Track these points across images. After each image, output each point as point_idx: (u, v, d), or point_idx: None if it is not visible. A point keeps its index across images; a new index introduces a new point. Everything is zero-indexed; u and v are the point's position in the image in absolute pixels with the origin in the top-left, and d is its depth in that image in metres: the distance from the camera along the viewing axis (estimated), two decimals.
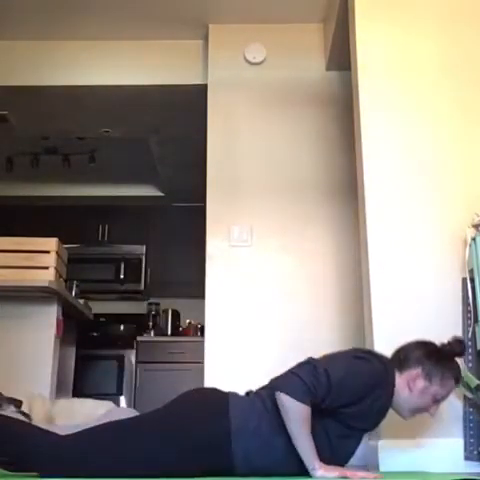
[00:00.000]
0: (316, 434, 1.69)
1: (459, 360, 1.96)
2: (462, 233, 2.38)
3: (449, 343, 1.92)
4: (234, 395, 1.79)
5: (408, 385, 1.84)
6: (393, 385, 1.83)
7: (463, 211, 2.42)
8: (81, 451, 1.64)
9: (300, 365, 1.73)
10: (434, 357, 1.87)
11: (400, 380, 1.85)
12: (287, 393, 1.65)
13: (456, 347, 1.91)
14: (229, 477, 1.66)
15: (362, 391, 1.72)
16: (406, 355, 1.89)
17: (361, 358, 1.80)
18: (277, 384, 1.70)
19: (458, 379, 1.91)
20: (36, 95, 3.86)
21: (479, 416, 2.23)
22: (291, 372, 1.71)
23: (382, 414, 1.84)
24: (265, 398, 1.75)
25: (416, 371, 1.85)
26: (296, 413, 1.64)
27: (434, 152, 2.59)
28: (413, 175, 2.56)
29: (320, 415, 1.71)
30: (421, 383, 1.84)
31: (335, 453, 1.75)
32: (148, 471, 1.63)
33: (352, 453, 1.82)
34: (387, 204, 2.54)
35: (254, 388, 1.87)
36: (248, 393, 1.84)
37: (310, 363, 1.72)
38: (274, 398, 1.70)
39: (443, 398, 1.89)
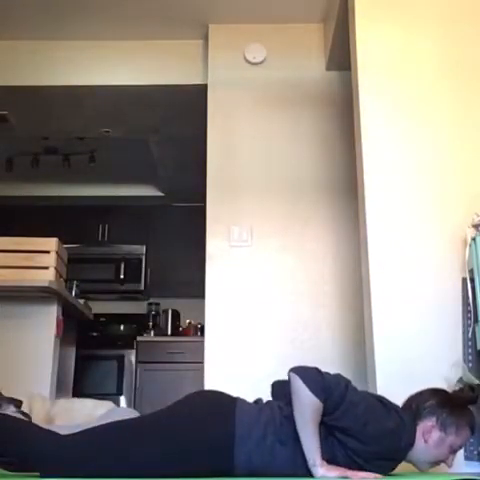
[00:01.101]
0: (326, 448, 1.67)
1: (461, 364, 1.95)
2: (462, 233, 2.38)
3: (461, 390, 1.88)
4: (242, 401, 1.77)
5: (423, 437, 1.78)
6: (412, 442, 1.77)
7: (463, 211, 2.42)
8: (81, 451, 1.64)
9: (327, 373, 1.72)
10: (448, 407, 1.82)
11: (416, 433, 1.80)
12: (303, 380, 1.64)
13: (470, 395, 1.86)
14: (229, 477, 1.65)
15: (371, 429, 1.67)
16: (418, 405, 1.83)
17: (385, 404, 1.76)
18: (297, 368, 1.68)
19: (473, 427, 1.85)
20: (36, 95, 3.86)
21: (479, 416, 2.23)
22: (316, 368, 1.69)
23: (390, 468, 1.80)
24: (275, 409, 1.73)
25: (431, 422, 1.79)
26: (308, 404, 1.63)
27: (434, 152, 2.59)
28: (413, 175, 2.57)
29: (332, 435, 1.69)
30: (436, 434, 1.78)
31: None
32: (148, 471, 1.62)
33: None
34: (387, 204, 2.54)
35: (264, 397, 1.84)
36: (257, 401, 1.82)
37: (337, 374, 1.72)
38: (284, 410, 1.69)
39: (460, 447, 1.84)
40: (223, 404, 1.74)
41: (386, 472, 1.78)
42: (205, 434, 1.66)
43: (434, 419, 1.79)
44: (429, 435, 1.78)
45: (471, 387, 1.88)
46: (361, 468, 1.70)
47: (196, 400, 1.78)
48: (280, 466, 1.66)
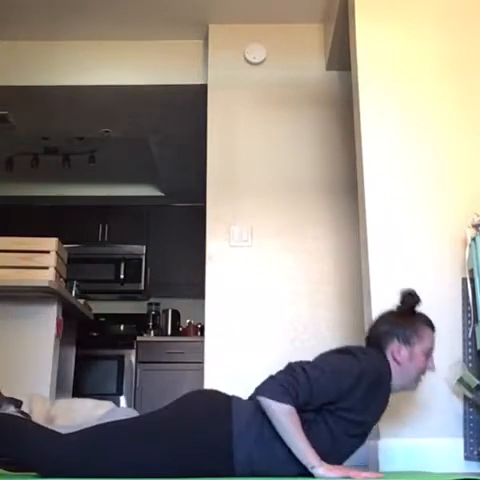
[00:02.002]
0: (321, 432, 1.70)
1: (460, 362, 1.96)
2: (462, 233, 2.38)
3: (402, 301, 1.95)
4: (237, 399, 1.78)
5: (395, 361, 1.85)
6: (390, 371, 1.83)
7: (463, 211, 2.42)
8: (81, 451, 1.64)
9: (280, 371, 1.73)
10: (399, 321, 1.90)
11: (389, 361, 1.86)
12: (266, 396, 1.65)
13: (411, 300, 1.93)
14: (229, 477, 1.65)
15: (343, 388, 1.70)
16: (376, 336, 1.90)
17: (345, 352, 1.80)
18: (257, 390, 1.70)
19: (432, 325, 1.94)
20: (36, 95, 3.86)
21: (479, 416, 2.23)
22: (270, 377, 1.71)
23: (382, 405, 1.84)
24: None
25: (394, 344, 1.86)
26: (279, 414, 1.63)
27: (434, 152, 2.59)
28: (413, 175, 2.57)
29: (322, 415, 1.71)
30: (405, 352, 1.85)
31: (341, 451, 1.75)
32: (148, 471, 1.62)
33: (353, 452, 1.81)
34: (387, 204, 2.54)
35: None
36: (251, 397, 1.82)
37: (288, 366, 1.73)
38: None
39: (432, 349, 1.91)
40: (219, 403, 1.75)
41: (382, 411, 1.83)
42: (203, 433, 1.66)
43: (395, 340, 1.87)
44: (399, 355, 1.85)
45: (408, 293, 1.95)
46: (358, 423, 1.73)
47: (193, 400, 1.78)
48: (280, 461, 1.66)
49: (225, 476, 1.66)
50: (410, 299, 1.93)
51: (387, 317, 1.95)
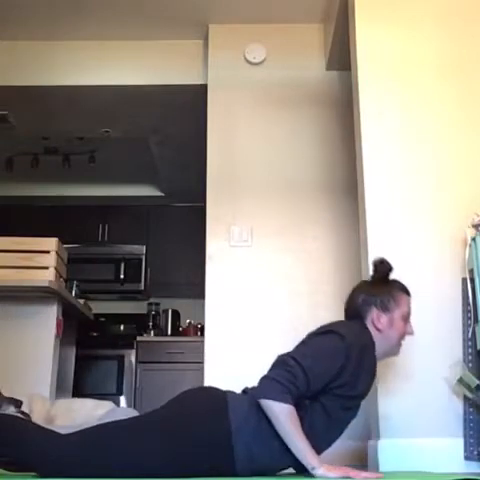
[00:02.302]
0: (316, 413, 1.71)
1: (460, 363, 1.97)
2: (462, 233, 2.38)
3: (375, 269, 1.99)
4: (232, 394, 1.79)
5: (376, 329, 1.89)
6: (372, 340, 1.87)
7: (463, 211, 2.42)
8: (81, 451, 1.64)
9: (272, 367, 1.74)
10: (375, 289, 1.94)
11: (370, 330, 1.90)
12: (266, 398, 1.65)
13: (383, 268, 1.97)
14: (230, 477, 1.65)
15: (336, 367, 1.72)
16: (356, 307, 1.94)
17: (329, 332, 1.81)
18: (256, 393, 1.70)
19: (406, 290, 1.98)
20: (36, 95, 3.86)
21: (479, 416, 2.23)
22: (265, 377, 1.71)
23: (371, 375, 1.86)
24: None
25: (373, 312, 1.90)
26: (280, 415, 1.63)
27: (434, 152, 2.59)
28: (413, 175, 2.57)
29: (318, 398, 1.73)
30: (384, 319, 1.90)
31: (333, 427, 1.78)
32: (148, 471, 1.62)
33: (348, 424, 1.84)
34: (387, 204, 2.54)
35: (250, 385, 1.87)
36: (245, 391, 1.84)
37: (280, 361, 1.73)
38: None
39: (409, 313, 1.96)
40: (215, 400, 1.75)
41: (372, 381, 1.86)
42: (202, 431, 1.67)
43: (373, 308, 1.91)
44: (379, 322, 1.89)
45: (379, 261, 1.99)
46: (351, 397, 1.76)
47: (189, 398, 1.78)
48: (279, 452, 1.67)
49: (226, 471, 1.66)
50: (383, 267, 1.97)
51: (362, 287, 2.00)
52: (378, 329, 1.89)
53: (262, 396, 1.66)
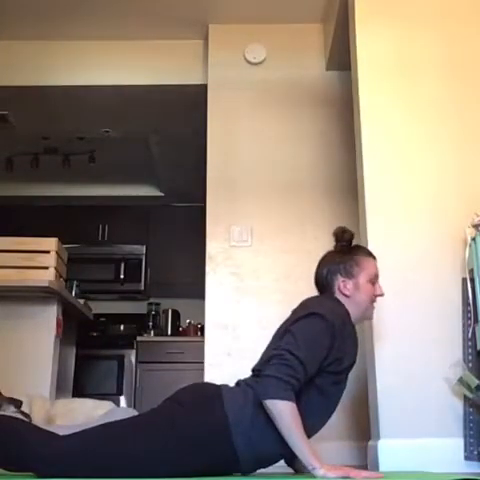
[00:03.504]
0: (312, 397, 1.74)
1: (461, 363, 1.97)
2: (462, 233, 2.38)
3: (336, 238, 2.03)
4: (226, 388, 1.80)
5: (344, 296, 1.92)
6: (346, 310, 1.90)
7: (463, 211, 2.42)
8: (81, 451, 1.64)
9: (268, 363, 1.74)
10: (337, 258, 1.98)
11: (340, 299, 1.92)
12: (270, 397, 1.65)
13: (344, 236, 2.01)
14: (230, 477, 1.66)
15: (326, 348, 1.75)
16: (322, 279, 1.98)
17: (311, 315, 1.82)
18: (259, 393, 1.70)
19: (369, 252, 2.02)
20: (36, 95, 3.87)
21: (479, 416, 2.23)
22: (264, 375, 1.70)
23: (354, 343, 1.89)
24: (255, 386, 1.75)
25: (338, 280, 1.94)
26: (284, 415, 1.64)
27: (434, 152, 2.59)
28: (413, 175, 2.57)
29: (311, 380, 1.74)
30: (349, 284, 1.93)
31: (329, 403, 1.81)
32: (149, 470, 1.62)
33: (340, 397, 1.87)
34: (387, 204, 2.54)
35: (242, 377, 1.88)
36: (238, 383, 1.85)
37: (276, 356, 1.72)
38: None
39: (376, 275, 1.98)
40: (210, 395, 1.76)
41: (357, 348, 1.89)
42: (200, 427, 1.67)
43: (338, 276, 1.94)
44: (346, 289, 1.93)
45: (341, 230, 2.05)
46: (342, 371, 1.80)
47: (184, 395, 1.79)
48: (278, 440, 1.66)
49: (229, 463, 1.68)
50: (345, 235, 2.01)
51: (326, 258, 2.02)
52: (346, 295, 1.92)
53: (267, 396, 1.66)
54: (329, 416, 1.85)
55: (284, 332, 1.84)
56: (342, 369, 1.81)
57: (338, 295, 1.94)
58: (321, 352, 1.75)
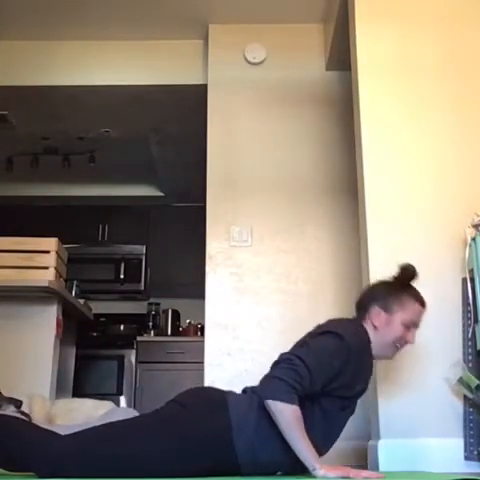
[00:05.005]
0: (315, 416, 1.72)
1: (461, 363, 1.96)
2: (462, 233, 2.38)
3: (398, 272, 1.97)
4: (232, 393, 1.80)
5: (373, 326, 1.89)
6: (367, 337, 1.87)
7: (463, 211, 2.42)
8: (81, 451, 1.64)
9: (276, 365, 1.74)
10: (387, 289, 1.94)
11: (368, 327, 1.89)
12: (272, 398, 1.65)
13: (406, 273, 1.95)
14: (231, 477, 1.65)
15: (337, 367, 1.73)
16: (361, 302, 1.96)
17: (328, 333, 1.80)
18: (262, 393, 1.70)
19: (421, 300, 1.94)
20: (36, 95, 3.87)
21: (479, 416, 2.23)
22: (271, 376, 1.71)
23: (368, 371, 1.87)
24: (260, 388, 1.75)
25: (375, 309, 1.90)
26: (284, 415, 1.64)
27: (434, 151, 2.59)
28: (413, 175, 2.57)
29: (316, 399, 1.73)
30: (383, 317, 1.89)
31: (336, 427, 1.78)
32: (149, 471, 1.62)
33: (345, 424, 1.85)
34: (387, 204, 2.54)
35: (249, 385, 1.87)
36: (245, 390, 1.84)
37: (285, 359, 1.73)
38: None
39: (413, 323, 1.92)
40: (215, 399, 1.75)
41: (369, 379, 1.87)
42: (203, 432, 1.67)
43: (376, 305, 1.90)
44: (377, 320, 1.88)
45: (406, 266, 1.96)
46: (350, 398, 1.77)
47: (190, 398, 1.78)
48: (281, 448, 1.67)
49: (229, 468, 1.67)
50: (404, 272, 1.96)
51: (377, 284, 2.00)
52: (375, 326, 1.89)
53: (270, 397, 1.66)
54: (332, 442, 1.82)
55: (301, 344, 1.84)
56: (351, 395, 1.79)
57: (367, 323, 1.90)
58: (330, 370, 1.73)
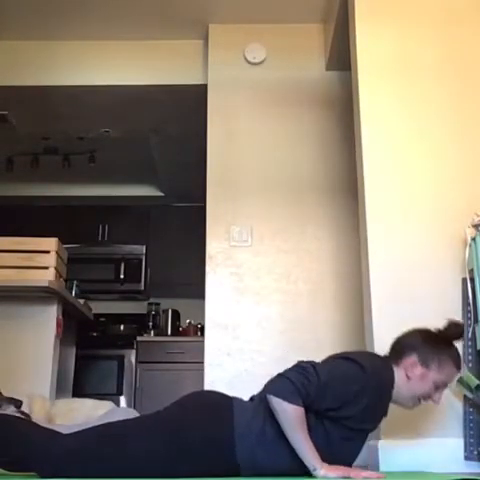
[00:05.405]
0: (318, 436, 1.69)
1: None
2: (462, 233, 2.38)
3: (445, 327, 1.90)
4: (238, 400, 1.78)
5: (406, 374, 1.82)
6: (392, 380, 1.81)
7: (463, 211, 2.42)
8: (81, 451, 1.64)
9: (290, 368, 1.73)
10: (429, 342, 1.85)
11: (399, 372, 1.83)
12: (276, 395, 1.65)
13: (453, 330, 1.88)
14: (232, 477, 1.65)
15: (349, 395, 1.69)
16: (401, 344, 1.88)
17: (351, 360, 1.76)
18: (267, 388, 1.70)
19: (458, 364, 1.88)
20: (36, 95, 3.86)
21: (479, 416, 2.23)
22: (280, 374, 1.70)
23: (382, 412, 1.83)
24: (266, 385, 1.73)
25: (412, 358, 1.83)
26: (288, 414, 1.63)
27: (434, 151, 2.59)
28: (413, 175, 2.57)
29: (321, 419, 1.70)
30: (418, 370, 1.82)
31: (337, 456, 1.72)
32: (149, 472, 1.62)
33: (356, 454, 1.80)
34: (387, 204, 2.54)
35: (256, 393, 1.85)
36: (252, 398, 1.82)
37: (299, 365, 1.72)
38: None
39: (444, 384, 1.86)
40: (221, 405, 1.74)
41: (381, 420, 1.82)
42: (205, 436, 1.66)
43: (415, 355, 1.83)
44: (411, 371, 1.81)
45: (455, 323, 1.90)
46: (357, 430, 1.73)
47: (194, 401, 1.78)
48: (283, 459, 1.66)
49: (229, 473, 1.66)
50: (452, 330, 1.88)
51: (421, 333, 1.90)
52: (407, 376, 1.82)
53: (274, 393, 1.65)
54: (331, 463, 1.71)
55: (322, 360, 1.81)
56: (357, 428, 1.74)
57: (399, 368, 1.83)
58: (340, 392, 1.69)
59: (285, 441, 1.66)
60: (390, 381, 1.81)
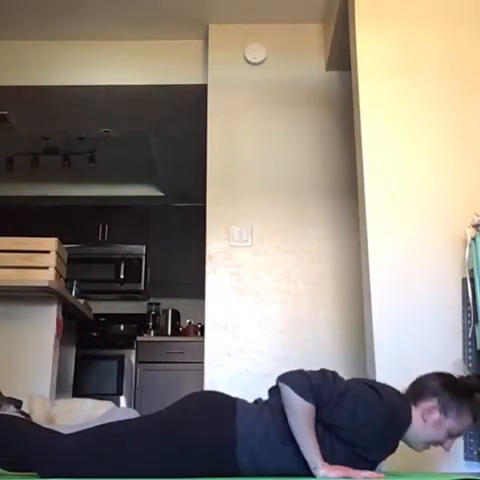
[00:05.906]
0: (325, 448, 1.66)
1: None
2: (462, 233, 2.38)
3: (469, 377, 1.87)
4: (242, 402, 1.77)
5: (423, 416, 1.77)
6: (408, 420, 1.77)
7: (463, 211, 2.42)
8: (82, 451, 1.64)
9: (312, 371, 1.72)
10: (451, 390, 1.80)
11: (415, 413, 1.78)
12: (291, 386, 1.64)
13: (475, 381, 1.84)
14: (232, 477, 1.65)
15: (356, 414, 1.66)
16: (422, 386, 1.83)
17: (373, 388, 1.73)
18: (283, 376, 1.69)
19: (476, 416, 1.82)
20: (36, 95, 3.86)
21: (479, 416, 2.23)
22: (300, 370, 1.70)
23: (388, 446, 1.79)
24: (273, 406, 1.71)
25: (432, 403, 1.78)
26: (297, 407, 1.63)
27: (434, 151, 2.59)
28: (413, 175, 2.57)
29: (330, 437, 1.68)
30: (436, 415, 1.77)
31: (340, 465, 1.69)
32: (149, 472, 1.62)
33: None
34: (387, 204, 2.54)
35: (263, 396, 1.84)
36: (257, 401, 1.82)
37: (321, 370, 1.72)
38: (282, 406, 1.68)
39: (458, 434, 1.82)
40: (223, 406, 1.74)
41: (387, 455, 1.79)
42: (206, 436, 1.66)
43: (435, 400, 1.78)
44: (429, 415, 1.77)
45: (478, 375, 1.89)
46: (361, 457, 1.70)
47: (196, 402, 1.77)
48: (286, 465, 1.66)
49: (229, 474, 1.65)
50: (474, 380, 1.85)
51: (443, 378, 1.85)
52: (424, 419, 1.77)
53: (288, 384, 1.66)
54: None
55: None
56: (363, 457, 1.70)
57: (417, 409, 1.78)
58: (353, 414, 1.65)
59: (289, 446, 1.65)
60: (406, 420, 1.77)
